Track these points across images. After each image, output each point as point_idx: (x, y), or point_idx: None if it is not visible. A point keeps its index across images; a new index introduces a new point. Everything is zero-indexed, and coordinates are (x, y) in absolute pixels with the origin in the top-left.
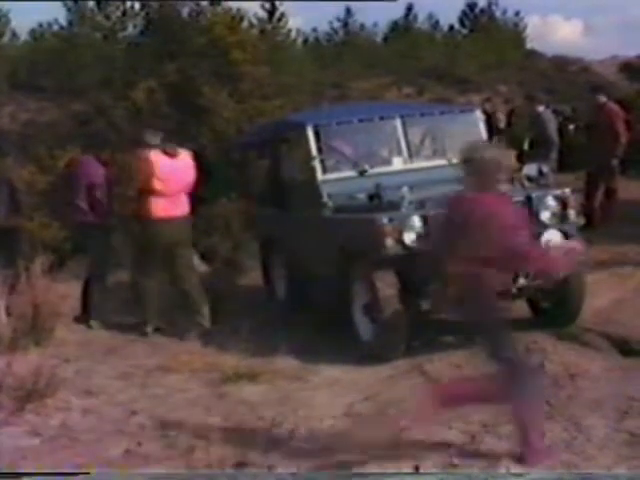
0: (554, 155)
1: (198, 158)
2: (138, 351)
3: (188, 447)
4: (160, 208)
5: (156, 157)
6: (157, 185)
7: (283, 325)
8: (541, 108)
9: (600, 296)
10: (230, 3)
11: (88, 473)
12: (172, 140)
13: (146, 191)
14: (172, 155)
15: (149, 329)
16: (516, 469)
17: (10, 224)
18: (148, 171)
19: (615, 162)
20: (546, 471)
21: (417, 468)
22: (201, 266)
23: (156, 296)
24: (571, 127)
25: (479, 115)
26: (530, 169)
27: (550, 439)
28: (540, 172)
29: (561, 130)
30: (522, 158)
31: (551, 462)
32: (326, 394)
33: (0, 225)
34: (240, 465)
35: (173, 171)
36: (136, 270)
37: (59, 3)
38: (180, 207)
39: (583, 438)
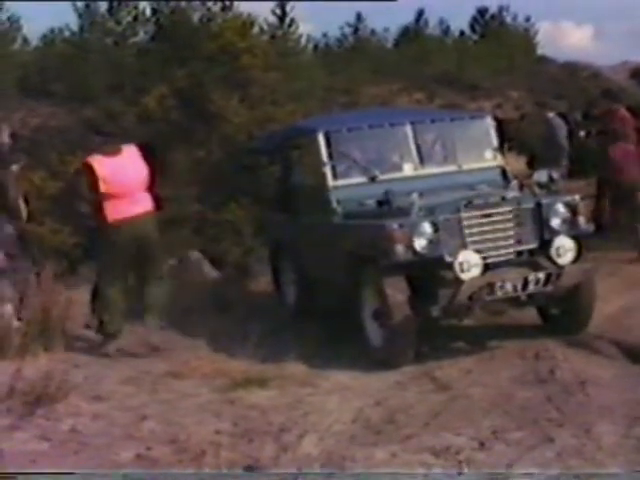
0: (564, 161)
1: (147, 150)
2: (147, 356)
3: (198, 452)
4: (115, 210)
5: (95, 160)
6: (104, 188)
7: (293, 330)
8: (551, 114)
9: (610, 303)
10: (241, 9)
11: (72, 473)
12: (180, 146)
13: (97, 196)
14: (113, 154)
15: (110, 349)
16: (525, 477)
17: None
18: (90, 176)
19: None
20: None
21: (426, 475)
22: (211, 272)
23: (120, 309)
24: (582, 133)
25: (490, 121)
26: (540, 175)
27: (560, 446)
28: (550, 178)
29: (571, 136)
30: (533, 164)
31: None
32: (336, 399)
33: None
34: (249, 470)
35: (118, 170)
36: (100, 279)
37: (70, 9)
38: (140, 205)
39: (593, 445)
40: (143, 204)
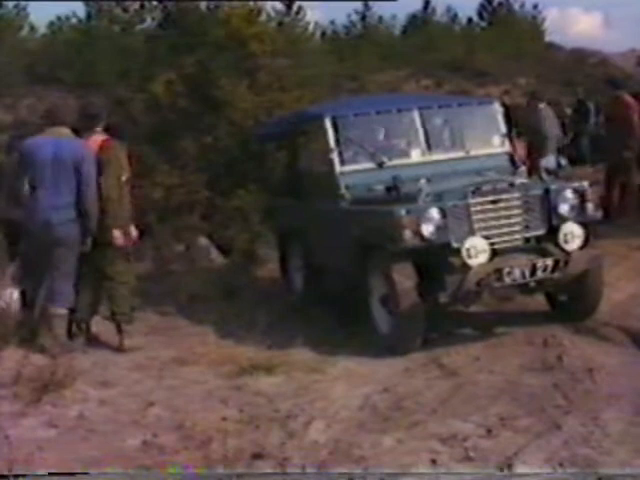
0: (550, 150)
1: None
2: (154, 343)
3: (204, 439)
4: None
5: None
6: None
7: (300, 317)
8: (542, 105)
9: (618, 290)
10: None
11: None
12: (188, 132)
13: None
14: None
15: (78, 342)
16: (532, 465)
17: (11, 217)
18: None
19: (631, 155)
20: (564, 468)
21: (433, 461)
22: (219, 258)
23: (87, 297)
24: (592, 120)
25: (497, 107)
26: (549, 162)
27: (567, 433)
28: (559, 165)
29: (563, 124)
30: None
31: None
32: (343, 386)
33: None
34: (256, 457)
35: None
36: None
37: None
38: None
39: (600, 432)
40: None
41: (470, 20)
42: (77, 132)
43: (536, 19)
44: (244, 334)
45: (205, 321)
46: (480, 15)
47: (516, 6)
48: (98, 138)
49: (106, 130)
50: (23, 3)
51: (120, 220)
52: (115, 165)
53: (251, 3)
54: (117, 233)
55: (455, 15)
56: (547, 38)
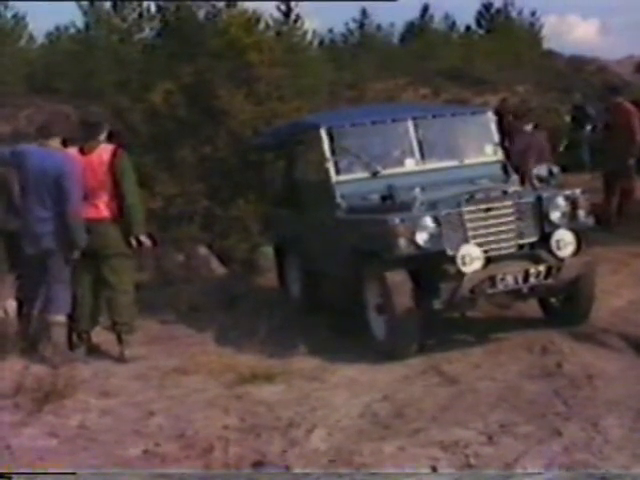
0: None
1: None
2: (155, 352)
3: (206, 447)
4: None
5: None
6: None
7: (299, 325)
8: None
9: (617, 296)
10: (246, 5)
11: (74, 473)
12: (186, 142)
13: None
14: (86, 152)
15: (79, 352)
16: (533, 470)
17: (10, 228)
18: None
19: (631, 162)
20: (563, 471)
21: (434, 468)
22: (219, 268)
23: (87, 307)
24: (588, 127)
25: (491, 116)
26: (541, 169)
27: (568, 439)
28: (550, 172)
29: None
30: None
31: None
32: (343, 394)
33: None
34: (258, 465)
35: (84, 169)
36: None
37: (75, 6)
38: (95, 210)
39: (601, 438)
40: (98, 209)
41: (468, 28)
42: (65, 143)
43: (534, 26)
44: (244, 343)
45: (206, 330)
46: (478, 22)
47: (514, 13)
48: (108, 147)
49: (108, 138)
50: (22, 11)
51: (144, 226)
52: (133, 172)
53: (250, 10)
54: (144, 238)
55: (453, 23)
56: (545, 45)
